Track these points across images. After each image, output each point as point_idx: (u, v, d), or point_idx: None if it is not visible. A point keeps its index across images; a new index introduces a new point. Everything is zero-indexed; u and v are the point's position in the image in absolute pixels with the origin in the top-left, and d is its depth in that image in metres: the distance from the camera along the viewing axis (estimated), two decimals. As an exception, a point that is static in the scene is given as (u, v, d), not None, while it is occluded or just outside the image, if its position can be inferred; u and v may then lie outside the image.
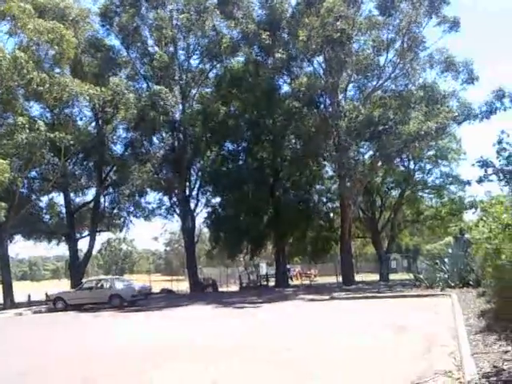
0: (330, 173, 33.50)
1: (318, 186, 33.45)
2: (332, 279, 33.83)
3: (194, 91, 33.74)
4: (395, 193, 39.40)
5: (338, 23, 24.83)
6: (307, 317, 15.14)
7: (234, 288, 34.93)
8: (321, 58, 28.98)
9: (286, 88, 32.00)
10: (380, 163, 29.38)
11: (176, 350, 9.96)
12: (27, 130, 23.51)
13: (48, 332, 15.61)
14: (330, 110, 28.18)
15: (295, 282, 39.67)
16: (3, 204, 21.31)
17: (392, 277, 34.01)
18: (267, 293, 26.67)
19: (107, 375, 7.96)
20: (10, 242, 30.68)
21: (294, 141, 31.83)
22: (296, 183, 31.74)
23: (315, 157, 30.18)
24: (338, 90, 28.59)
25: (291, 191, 32.74)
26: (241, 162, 34.09)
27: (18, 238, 32.72)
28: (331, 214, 35.80)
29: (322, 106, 29.12)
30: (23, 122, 23.66)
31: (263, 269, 36.63)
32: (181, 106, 31.98)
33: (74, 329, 16.37)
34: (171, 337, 12.08)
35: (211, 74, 33.89)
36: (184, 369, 8.12)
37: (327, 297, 20.63)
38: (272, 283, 33.54)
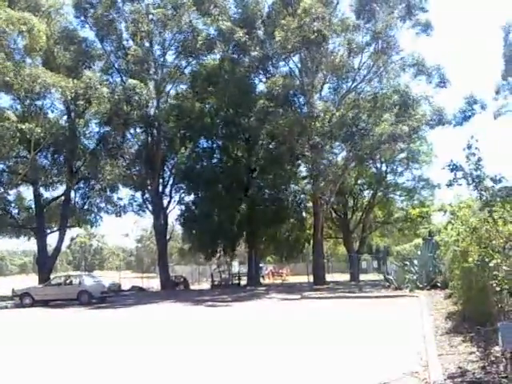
0: (305, 173, 33.68)
1: (292, 186, 33.55)
2: (303, 279, 34.04)
3: (169, 87, 33.47)
4: (367, 194, 39.92)
5: (314, 24, 24.97)
6: (276, 315, 15.20)
7: (206, 286, 34.80)
8: (297, 58, 29.14)
9: (261, 87, 32.06)
10: (353, 164, 29.72)
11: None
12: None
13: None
14: (305, 110, 28.34)
15: (267, 280, 39.79)
16: None
17: (362, 277, 34.46)
18: (239, 291, 26.70)
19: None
20: (-24, 236, 29.85)
21: (268, 140, 31.89)
22: (270, 182, 31.81)
23: (290, 156, 30.29)
24: (313, 91, 28.76)
25: (265, 190, 32.78)
26: (215, 160, 34.01)
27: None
28: (304, 214, 36.00)
29: (297, 105, 29.24)
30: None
31: (235, 267, 36.61)
32: (155, 102, 31.58)
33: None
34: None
35: (187, 71, 33.59)
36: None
37: (298, 296, 20.76)
38: (244, 282, 33.55)
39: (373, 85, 29.45)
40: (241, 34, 27.56)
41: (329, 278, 32.25)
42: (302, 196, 34.43)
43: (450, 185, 6.77)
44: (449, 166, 6.69)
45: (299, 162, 32.66)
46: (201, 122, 30.89)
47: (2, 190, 30.06)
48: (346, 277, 35.87)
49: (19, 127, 23.97)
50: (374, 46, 27.75)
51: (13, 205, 33.10)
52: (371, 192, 38.57)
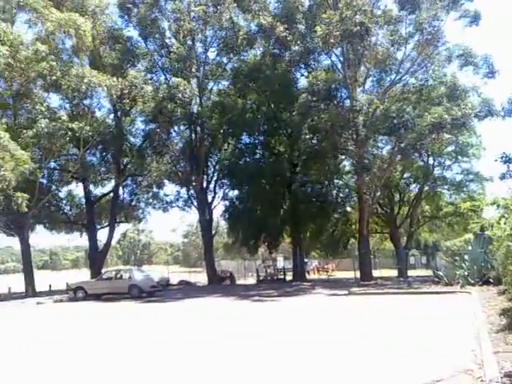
0: (348, 167, 33.25)
1: (335, 181, 33.20)
2: (350, 274, 33.61)
3: (211, 84, 33.80)
4: (414, 188, 38.92)
5: (357, 16, 24.51)
6: (327, 311, 15.11)
7: (252, 281, 34.99)
8: (338, 52, 28.69)
9: (303, 81, 31.82)
10: (398, 158, 29.06)
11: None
12: (47, 120, 23.79)
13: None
14: (348, 103, 27.93)
15: (312, 276, 39.59)
16: (24, 195, 21.58)
17: (411, 273, 33.68)
18: (285, 286, 26.70)
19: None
20: (31, 231, 31.14)
21: (311, 135, 31.65)
22: (313, 177, 31.58)
23: (332, 151, 29.97)
24: (356, 84, 28.32)
25: (308, 185, 32.60)
26: (258, 156, 34.07)
27: (39, 228, 33.22)
28: (349, 209, 35.56)
29: (340, 99, 28.86)
30: (42, 110, 23.96)
31: (280, 262, 36.60)
32: (198, 99, 32.03)
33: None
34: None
35: (228, 67, 33.79)
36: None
37: (345, 292, 20.53)
38: (289, 277, 33.54)
39: (418, 77, 28.67)
40: (281, 29, 27.45)
41: (376, 273, 31.71)
42: (346, 191, 34.01)
43: (502, 178, 6.54)
44: (501, 158, 6.45)
45: (342, 156, 32.28)
46: (243, 118, 30.99)
47: (54, 188, 31.28)
48: (393, 273, 35.14)
49: (69, 126, 24.77)
50: (418, 38, 26.97)
51: (64, 202, 34.37)
52: (418, 186, 37.57)
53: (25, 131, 23.59)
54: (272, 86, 29.15)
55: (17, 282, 31.33)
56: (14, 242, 35.99)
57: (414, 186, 38.81)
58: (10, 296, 26.02)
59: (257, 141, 34.02)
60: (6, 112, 25.60)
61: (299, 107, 27.26)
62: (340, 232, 34.57)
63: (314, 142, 30.96)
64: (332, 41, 25.58)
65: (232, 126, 31.75)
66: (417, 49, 27.21)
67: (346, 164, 33.85)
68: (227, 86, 34.05)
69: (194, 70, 31.44)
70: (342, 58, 28.78)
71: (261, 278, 33.53)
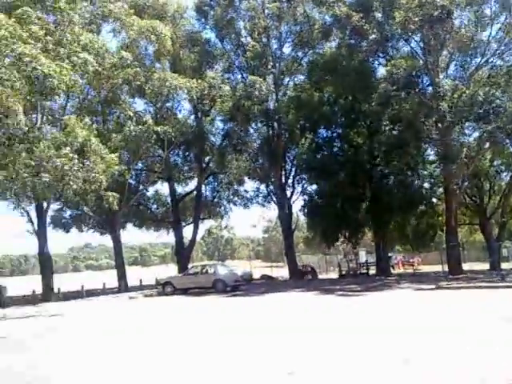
0: (433, 156, 31.93)
1: (419, 171, 31.98)
2: (437, 268, 32.33)
3: (287, 79, 33.94)
4: (505, 176, 36.54)
5: (437, 0, 23.46)
6: (414, 305, 14.69)
7: (333, 276, 34.74)
8: (418, 37, 27.57)
9: (381, 70, 30.89)
10: (487, 145, 27.44)
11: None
12: (134, 124, 25.14)
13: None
14: (430, 90, 26.80)
15: (397, 270, 38.50)
16: (115, 194, 22.90)
17: (504, 266, 31.77)
18: (368, 281, 26.24)
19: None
20: (122, 229, 33.08)
21: (391, 125, 30.72)
22: (395, 168, 30.67)
23: (415, 141, 28.89)
24: (438, 70, 27.07)
25: (390, 177, 31.71)
26: (336, 149, 33.63)
27: (129, 226, 35.18)
28: (434, 200, 34.12)
29: (421, 87, 27.74)
30: (131, 115, 25.34)
31: (363, 257, 35.96)
32: (274, 95, 32.27)
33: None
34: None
35: (304, 61, 33.70)
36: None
37: (433, 286, 19.82)
38: (372, 271, 32.89)
39: (506, 58, 26.86)
40: (357, 18, 26.86)
41: (465, 267, 30.22)
42: (431, 181, 32.67)
43: None
44: None
45: (426, 145, 31.05)
46: (320, 112, 30.73)
47: (142, 188, 32.99)
48: (484, 266, 33.34)
49: (154, 129, 25.97)
50: (506, 17, 25.27)
51: (151, 200, 36.11)
52: (510, 174, 35.24)
53: (114, 135, 25.04)
54: (349, 77, 28.60)
55: (110, 278, 33.41)
56: (107, 240, 38.36)
57: (505, 174, 36.49)
58: (104, 291, 27.84)
59: (334, 134, 33.59)
60: (96, 118, 27.30)
61: (378, 97, 26.56)
62: (425, 224, 33.25)
63: (395, 132, 30.01)
64: (411, 26, 24.71)
65: (309, 120, 31.64)
66: (504, 29, 25.55)
67: (431, 153, 32.54)
68: (303, 81, 33.94)
69: (269, 66, 31.72)
70: (422, 44, 27.65)
71: (343, 272, 33.18)
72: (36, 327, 14.36)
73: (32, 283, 27.59)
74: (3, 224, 61.92)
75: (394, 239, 35.59)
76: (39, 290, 24.73)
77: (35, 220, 25.16)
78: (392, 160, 30.26)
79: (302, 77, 34.33)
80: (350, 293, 19.69)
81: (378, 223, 31.55)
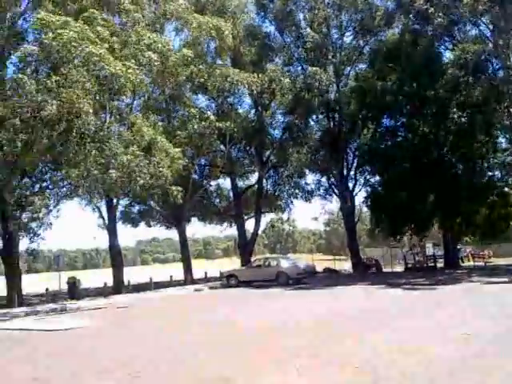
0: (505, 144, 30.32)
1: (490, 159, 30.47)
2: (510, 261, 30.79)
3: (348, 69, 33.34)
4: None
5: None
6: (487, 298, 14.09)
7: (399, 269, 33.89)
8: (487, 19, 26.20)
9: (448, 55, 29.73)
10: None
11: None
12: (198, 121, 25.63)
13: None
14: (501, 74, 25.45)
15: (466, 263, 36.95)
16: (179, 188, 23.31)
17: None
18: (436, 274, 25.40)
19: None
20: (187, 223, 33.92)
21: (459, 112, 29.42)
22: (464, 157, 29.39)
23: (486, 128, 27.55)
24: (509, 53, 25.60)
25: (459, 165, 30.42)
26: (400, 138, 32.73)
27: (193, 220, 36.02)
28: (506, 189, 32.41)
29: (491, 71, 26.40)
30: (194, 113, 25.85)
31: (429, 249, 34.78)
32: (335, 86, 31.83)
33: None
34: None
35: (365, 50, 32.96)
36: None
37: (506, 279, 18.88)
38: (440, 265, 31.77)
39: None
40: (422, 2, 25.96)
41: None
42: (502, 170, 31.05)
43: None
44: None
45: (497, 132, 29.54)
46: (382, 101, 29.95)
47: (205, 182, 33.64)
48: None
49: (217, 125, 26.34)
50: None
51: (214, 195, 36.74)
52: None
53: (179, 132, 25.64)
54: (413, 63, 27.71)
55: (177, 271, 34.38)
56: (173, 234, 39.39)
57: None
58: (171, 283, 28.67)
59: (399, 123, 32.68)
60: (161, 116, 28.04)
61: (446, 83, 25.66)
62: (497, 215, 31.66)
63: (464, 119, 28.76)
64: (480, 8, 23.56)
65: (371, 110, 30.98)
66: None
67: (502, 141, 30.95)
68: (365, 70, 33.27)
69: (330, 56, 31.31)
70: (491, 26, 26.29)
71: (409, 265, 32.29)
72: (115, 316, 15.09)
73: (103, 276, 28.90)
74: (77, 219, 65.19)
75: (462, 231, 34.15)
76: (110, 282, 25.86)
77: (105, 215, 26.36)
78: (461, 148, 29.06)
79: (363, 66, 33.73)
80: (418, 286, 19.16)
81: (446, 214, 30.41)
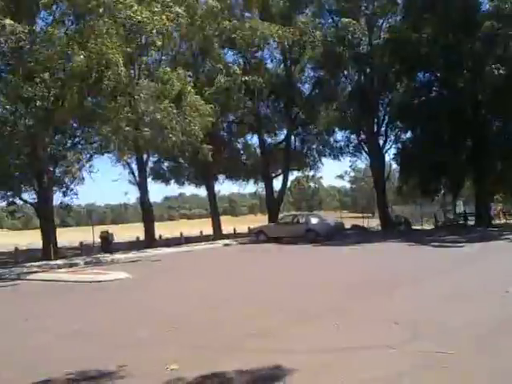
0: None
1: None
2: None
3: (381, 21, 32.08)
4: None
5: None
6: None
7: (428, 227, 33.59)
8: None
9: (486, 6, 28.19)
10: None
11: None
12: (224, 76, 25.22)
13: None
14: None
15: (497, 221, 36.36)
16: (209, 146, 23.27)
17: None
18: (467, 232, 25.07)
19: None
20: (215, 181, 34.04)
21: (497, 66, 28.10)
22: (501, 113, 28.29)
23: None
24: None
25: (494, 122, 29.38)
26: (434, 94, 31.70)
27: (221, 177, 36.07)
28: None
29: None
30: (221, 68, 25.42)
31: (460, 207, 34.29)
32: (367, 39, 30.73)
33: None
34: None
35: (399, 0, 31.48)
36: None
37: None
38: (471, 222, 31.33)
39: None
40: None
41: None
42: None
43: None
44: None
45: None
46: (417, 54, 28.77)
47: (233, 139, 33.43)
48: None
49: (243, 79, 25.88)
50: None
51: (242, 152, 36.50)
52: None
53: (206, 88, 25.32)
54: (450, 14, 26.42)
55: (204, 226, 34.83)
56: (199, 190, 39.43)
57: None
58: (200, 238, 29.10)
59: (433, 77, 31.60)
60: (189, 71, 27.65)
61: (483, 36, 24.43)
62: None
63: (502, 73, 27.51)
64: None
65: (405, 64, 29.86)
66: None
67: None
68: (399, 21, 31.89)
69: (362, 8, 30.15)
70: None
71: (439, 223, 31.96)
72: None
73: (133, 231, 29.54)
74: (106, 174, 66.42)
75: (495, 188, 33.40)
76: (141, 237, 26.38)
77: (136, 171, 26.63)
78: (498, 104, 27.96)
79: (397, 17, 32.26)
80: (448, 244, 19.06)
81: (479, 172, 29.70)
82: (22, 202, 21.30)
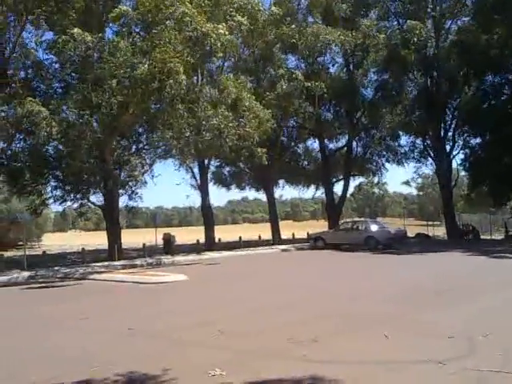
0: None
1: None
2: None
3: (449, 22, 30.94)
4: None
5: None
6: None
7: (498, 236, 31.85)
8: None
9: None
10: None
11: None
12: (286, 81, 25.27)
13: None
14: None
15: None
16: (263, 149, 23.06)
17: None
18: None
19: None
20: (276, 186, 34.15)
21: None
22: None
23: None
24: None
25: None
26: (505, 97, 30.13)
27: (281, 182, 36.14)
28: None
29: None
30: (283, 74, 25.50)
31: (533, 216, 32.32)
32: (434, 41, 29.72)
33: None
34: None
35: (469, 1, 30.24)
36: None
37: None
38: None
39: None
40: None
41: None
42: None
43: None
44: None
45: None
46: (487, 56, 27.52)
47: (293, 144, 33.40)
48: None
49: (305, 85, 25.80)
50: None
51: (302, 157, 36.38)
52: None
53: (267, 93, 25.48)
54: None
55: (265, 231, 35.00)
56: (261, 195, 39.53)
57: None
58: (259, 243, 29.26)
59: (503, 80, 30.04)
60: (251, 77, 27.97)
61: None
62: None
63: None
64: None
65: (474, 66, 28.63)
66: None
67: None
68: (467, 22, 30.61)
69: (429, 9, 29.22)
70: None
71: (510, 233, 30.24)
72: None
73: (196, 234, 30.22)
74: (173, 179, 69.34)
75: None
76: (202, 240, 26.93)
77: (198, 176, 27.26)
78: None
79: (466, 18, 31.01)
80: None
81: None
82: (91, 205, 22.36)
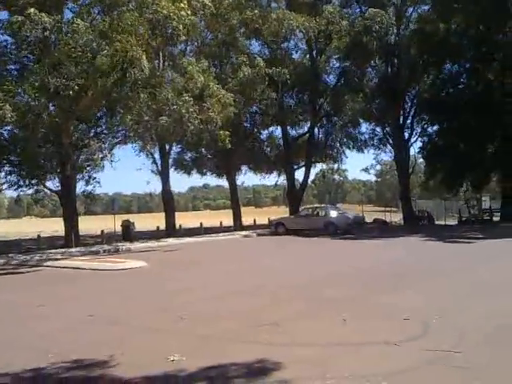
0: None
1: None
2: None
3: (410, 10, 31.44)
4: None
5: None
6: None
7: (452, 222, 32.96)
8: None
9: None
10: None
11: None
12: (248, 68, 25.07)
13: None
14: None
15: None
16: (226, 132, 22.81)
17: None
18: (491, 228, 24.49)
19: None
20: (237, 172, 34.04)
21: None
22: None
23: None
24: None
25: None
26: (462, 86, 30.97)
27: (244, 169, 36.05)
28: None
29: None
30: (244, 60, 25.28)
31: (486, 203, 33.49)
32: (395, 29, 30.09)
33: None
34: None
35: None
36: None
37: None
38: (496, 218, 30.61)
39: None
40: None
41: None
42: None
43: None
44: None
45: None
46: (446, 45, 28.10)
47: (256, 130, 33.30)
48: None
49: (267, 71, 25.69)
50: None
51: (265, 144, 36.34)
52: None
53: (230, 79, 25.23)
54: (481, 4, 25.63)
55: (226, 217, 34.97)
56: (224, 181, 39.36)
57: None
58: (221, 229, 29.20)
59: (461, 68, 30.85)
60: (214, 62, 27.60)
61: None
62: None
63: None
64: None
65: (433, 55, 29.22)
66: None
67: None
68: (427, 11, 31.15)
69: (391, -3, 29.48)
70: None
71: (463, 218, 31.34)
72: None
73: (156, 220, 29.87)
74: (132, 164, 67.35)
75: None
76: (163, 226, 26.64)
77: (159, 162, 26.82)
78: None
79: (426, 7, 31.55)
80: (472, 240, 18.61)
81: (507, 166, 28.92)
82: (47, 191, 21.68)
